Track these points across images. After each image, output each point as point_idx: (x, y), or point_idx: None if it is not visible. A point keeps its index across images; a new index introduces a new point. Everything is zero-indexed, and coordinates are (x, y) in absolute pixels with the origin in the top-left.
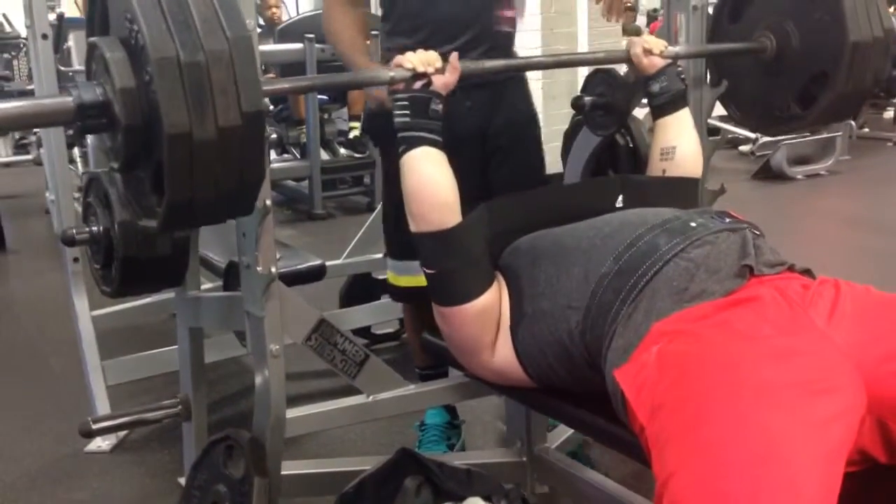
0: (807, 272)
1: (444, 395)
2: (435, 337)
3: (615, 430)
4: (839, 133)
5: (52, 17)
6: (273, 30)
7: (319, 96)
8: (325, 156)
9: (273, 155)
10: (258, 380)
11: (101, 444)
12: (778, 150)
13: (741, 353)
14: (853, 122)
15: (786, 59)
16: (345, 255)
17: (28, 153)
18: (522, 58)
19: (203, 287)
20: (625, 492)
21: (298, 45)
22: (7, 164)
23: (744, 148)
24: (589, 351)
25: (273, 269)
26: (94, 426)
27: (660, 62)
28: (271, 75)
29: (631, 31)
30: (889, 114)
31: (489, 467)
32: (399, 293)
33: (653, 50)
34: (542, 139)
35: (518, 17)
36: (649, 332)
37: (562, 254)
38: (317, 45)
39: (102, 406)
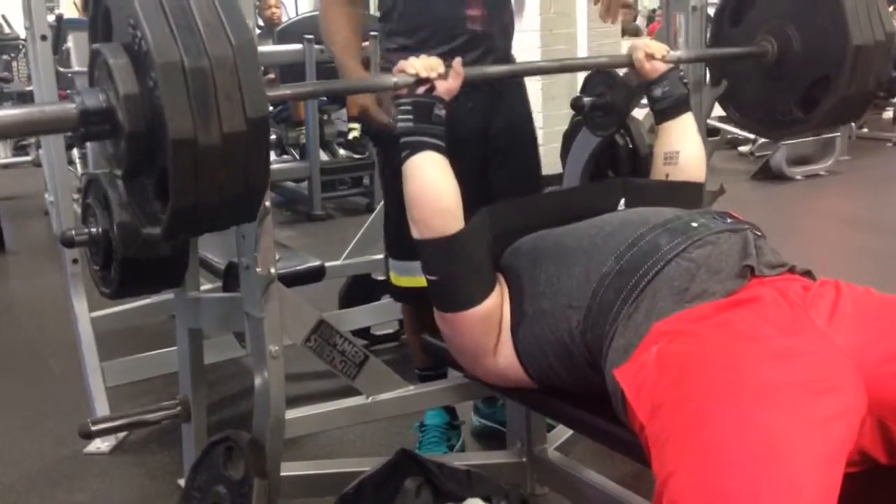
0: (807, 273)
1: (444, 396)
2: (435, 338)
3: (615, 431)
4: (838, 133)
5: (50, 18)
6: (272, 30)
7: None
8: (324, 157)
9: (272, 156)
10: (258, 381)
11: (100, 445)
12: (777, 151)
13: (742, 352)
14: (853, 123)
15: (787, 62)
16: (344, 255)
17: (27, 154)
18: (525, 63)
19: (202, 288)
20: (624, 492)
21: (298, 46)
22: (6, 166)
23: (743, 148)
24: (589, 350)
25: (272, 270)
26: (94, 427)
27: (662, 67)
28: (271, 76)
29: (630, 30)
30: (889, 114)
31: (489, 468)
32: (401, 293)
33: (654, 54)
34: (542, 140)
35: (517, 18)
36: (650, 332)
37: (563, 253)
38: (316, 46)
39: (102, 407)
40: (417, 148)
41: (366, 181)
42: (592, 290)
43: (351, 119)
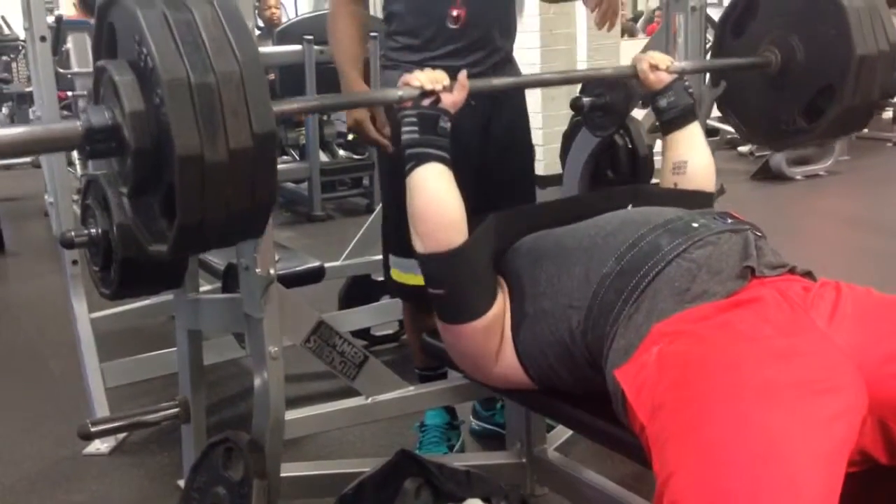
0: (808, 274)
1: (444, 397)
2: (434, 339)
3: (615, 431)
4: None
5: (50, 19)
6: (272, 31)
7: None
8: (324, 157)
9: None
10: (257, 382)
11: (99, 446)
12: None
13: (742, 353)
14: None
15: (791, 73)
16: (344, 256)
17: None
18: (530, 75)
19: (202, 289)
20: (624, 493)
21: (297, 47)
22: (6, 167)
23: (743, 148)
24: (590, 351)
25: (272, 271)
26: (93, 428)
27: (666, 78)
28: (270, 76)
29: (625, 28)
30: (888, 114)
31: (489, 469)
32: (401, 290)
33: (659, 66)
34: (541, 140)
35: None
36: (650, 333)
37: (563, 253)
38: (315, 47)
39: (101, 408)
40: (423, 159)
41: (365, 182)
42: (593, 290)
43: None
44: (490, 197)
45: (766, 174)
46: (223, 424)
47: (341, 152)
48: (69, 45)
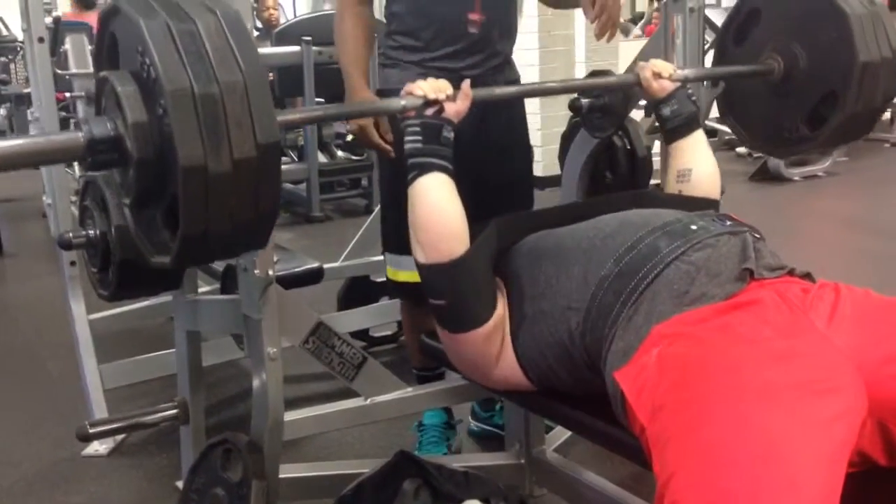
0: (807, 276)
1: (443, 398)
2: (432, 340)
3: (614, 432)
4: None
5: (48, 20)
6: (270, 32)
7: (317, 99)
8: (322, 158)
9: None
10: (256, 383)
11: (98, 447)
12: None
13: (742, 354)
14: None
15: (793, 80)
16: (342, 257)
17: None
18: (533, 83)
19: (201, 290)
20: (623, 493)
21: (296, 48)
22: None
23: (741, 149)
24: (588, 353)
25: (270, 272)
26: (92, 430)
27: (669, 86)
28: (269, 77)
29: (621, 28)
30: (887, 115)
31: (487, 469)
32: (397, 288)
33: (662, 73)
34: (540, 141)
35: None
36: (650, 335)
37: (562, 254)
38: (314, 48)
39: (100, 410)
40: (426, 169)
41: (364, 183)
42: (591, 292)
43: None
44: (488, 198)
45: (765, 175)
46: (222, 426)
47: (340, 153)
48: (67, 46)
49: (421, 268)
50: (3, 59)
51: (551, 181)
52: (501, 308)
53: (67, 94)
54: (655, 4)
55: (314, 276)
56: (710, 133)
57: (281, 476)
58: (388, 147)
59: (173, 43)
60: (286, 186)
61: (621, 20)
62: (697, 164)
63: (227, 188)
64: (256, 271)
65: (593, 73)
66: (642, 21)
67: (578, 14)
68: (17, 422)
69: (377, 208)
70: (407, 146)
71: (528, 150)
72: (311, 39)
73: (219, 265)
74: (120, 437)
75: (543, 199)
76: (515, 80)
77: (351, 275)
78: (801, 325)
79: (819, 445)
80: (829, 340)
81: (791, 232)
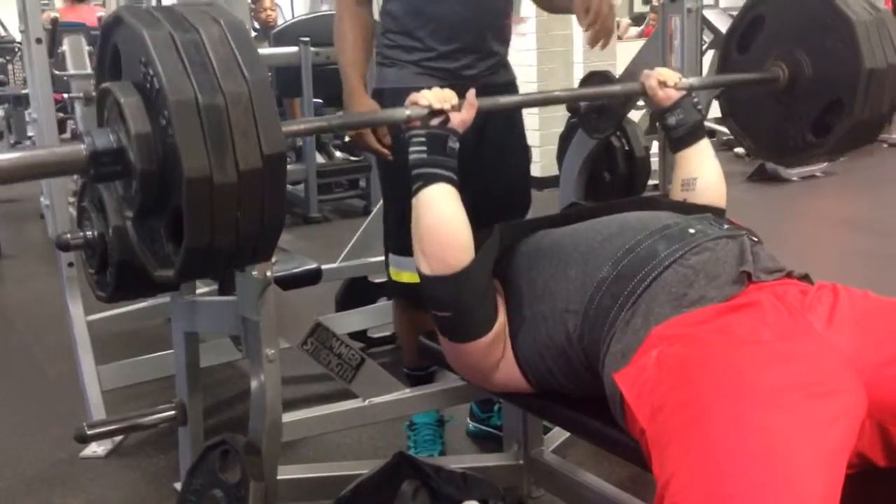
0: (805, 278)
1: (441, 399)
2: (430, 340)
3: (612, 433)
4: None
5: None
6: (268, 33)
7: (315, 100)
8: (320, 159)
9: None
10: (254, 384)
11: (96, 449)
12: None
13: (742, 356)
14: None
15: (799, 88)
16: (341, 258)
17: None
18: (538, 92)
19: (198, 291)
20: (621, 494)
21: (294, 49)
22: None
23: (739, 150)
24: (586, 355)
25: (269, 273)
26: (90, 431)
27: (675, 94)
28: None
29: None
30: None
31: (485, 471)
32: (397, 289)
33: (667, 82)
34: (538, 142)
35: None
36: (648, 337)
37: (560, 256)
38: (312, 49)
39: (98, 411)
40: (430, 180)
41: (362, 183)
42: (590, 295)
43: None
44: (487, 201)
45: (763, 175)
46: (220, 427)
47: (338, 154)
48: (65, 47)
49: (425, 279)
50: (1, 60)
51: (549, 182)
52: (503, 314)
53: (65, 95)
54: (652, 4)
55: (312, 277)
56: (709, 133)
57: (279, 477)
58: (386, 151)
59: (177, 53)
60: None
61: (625, 20)
62: (703, 172)
63: (232, 200)
64: (254, 272)
65: (592, 74)
66: (644, 24)
67: None
68: (16, 423)
69: (375, 209)
70: (411, 156)
71: (525, 151)
72: (309, 40)
73: None
74: (118, 438)
75: (542, 200)
76: (511, 82)
77: (349, 276)
78: (799, 327)
79: (818, 447)
80: (828, 342)
81: (789, 232)
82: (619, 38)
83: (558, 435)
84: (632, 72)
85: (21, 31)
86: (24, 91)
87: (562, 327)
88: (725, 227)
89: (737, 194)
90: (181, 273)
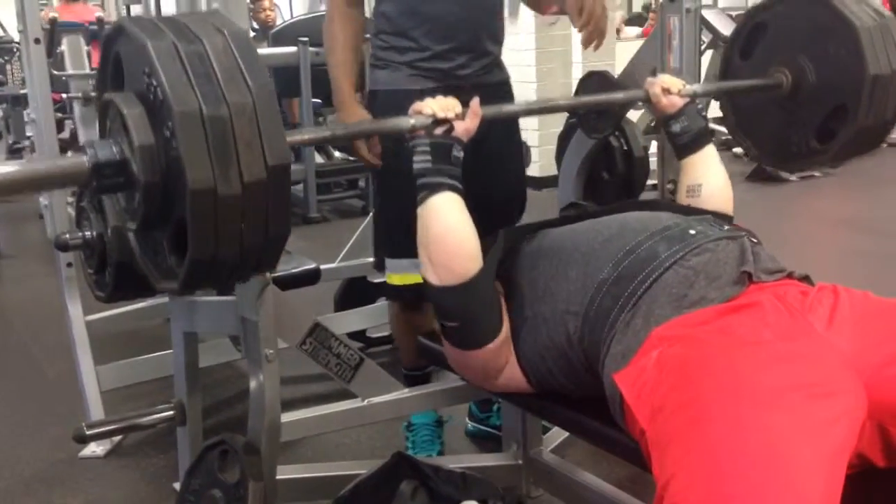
0: (805, 279)
1: (440, 399)
2: (429, 340)
3: (611, 433)
4: None
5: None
6: (267, 33)
7: (314, 99)
8: (319, 159)
9: None
10: (253, 384)
11: (95, 449)
12: None
13: (742, 356)
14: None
15: (802, 94)
16: (339, 258)
17: (22, 157)
18: (541, 101)
19: (197, 291)
20: (620, 494)
21: (292, 49)
22: None
23: (738, 150)
24: (587, 356)
25: (268, 274)
26: (89, 431)
27: (679, 102)
28: None
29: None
30: None
31: (485, 470)
32: (394, 291)
33: (671, 89)
34: (537, 142)
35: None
36: (649, 338)
37: (560, 257)
38: (311, 49)
39: (96, 411)
40: (436, 189)
41: (361, 184)
42: (590, 296)
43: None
44: (486, 206)
45: (762, 175)
46: (219, 427)
47: (337, 154)
48: (64, 47)
49: (433, 290)
50: None
51: (548, 181)
52: (506, 318)
53: (64, 95)
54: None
55: (311, 277)
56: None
57: (278, 477)
58: (376, 161)
59: (181, 64)
60: None
61: (619, 13)
62: (708, 179)
63: (236, 211)
64: None
65: (591, 74)
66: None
67: None
68: (14, 423)
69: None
70: (416, 165)
71: (521, 155)
72: (307, 40)
73: None
74: (117, 438)
75: (540, 200)
76: (505, 81)
77: (348, 276)
78: (800, 327)
79: (819, 447)
80: (828, 343)
81: (788, 232)
82: (617, 31)
83: (557, 435)
84: (631, 72)
85: (19, 31)
86: (22, 91)
87: (562, 328)
88: (726, 227)
89: (736, 194)
90: (185, 285)
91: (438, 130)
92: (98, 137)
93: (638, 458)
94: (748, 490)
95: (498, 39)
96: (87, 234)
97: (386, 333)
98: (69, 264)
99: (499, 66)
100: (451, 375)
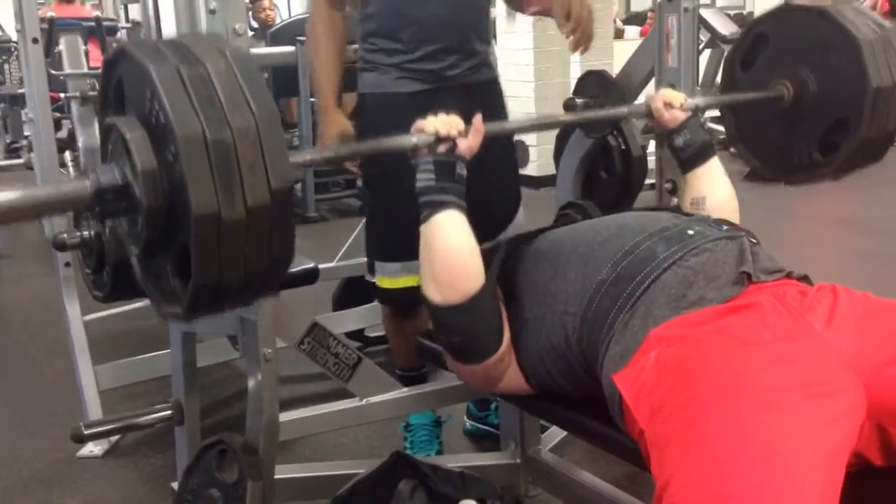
0: (804, 278)
1: (438, 398)
2: (428, 340)
3: (609, 433)
4: None
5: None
6: (265, 32)
7: (312, 99)
8: None
9: None
10: (251, 384)
11: (93, 449)
12: None
13: (741, 356)
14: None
15: (804, 106)
16: (338, 257)
17: (19, 157)
18: (544, 116)
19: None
20: (619, 493)
21: (290, 48)
22: None
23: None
24: (585, 357)
25: None
26: (87, 431)
27: (681, 115)
28: (263, 76)
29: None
30: None
31: (483, 469)
32: (385, 295)
33: (673, 103)
34: (535, 141)
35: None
36: (647, 338)
37: (559, 257)
38: None
39: (94, 411)
40: (439, 207)
41: (359, 183)
42: (588, 296)
43: None
44: (485, 223)
45: (760, 175)
46: (217, 427)
47: None
48: (62, 47)
49: (435, 308)
50: None
51: (546, 181)
52: (507, 324)
53: (62, 95)
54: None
55: (309, 277)
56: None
57: (276, 477)
58: (355, 169)
59: (183, 88)
60: None
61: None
62: (713, 191)
63: (240, 236)
64: None
65: (589, 73)
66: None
67: None
68: (12, 423)
69: None
70: (419, 184)
71: (512, 148)
72: (305, 40)
73: None
74: (115, 438)
75: (538, 199)
76: (494, 80)
77: (346, 275)
78: (799, 327)
79: (818, 447)
80: (827, 343)
81: (787, 232)
82: (617, 31)
83: (555, 434)
84: (628, 71)
85: (17, 31)
86: (20, 90)
87: (561, 329)
88: (724, 228)
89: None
90: (189, 310)
91: (441, 148)
92: (99, 158)
93: (636, 457)
94: (747, 490)
95: (486, 38)
96: (85, 233)
97: (384, 333)
98: (67, 264)
99: (487, 65)
100: (449, 375)
